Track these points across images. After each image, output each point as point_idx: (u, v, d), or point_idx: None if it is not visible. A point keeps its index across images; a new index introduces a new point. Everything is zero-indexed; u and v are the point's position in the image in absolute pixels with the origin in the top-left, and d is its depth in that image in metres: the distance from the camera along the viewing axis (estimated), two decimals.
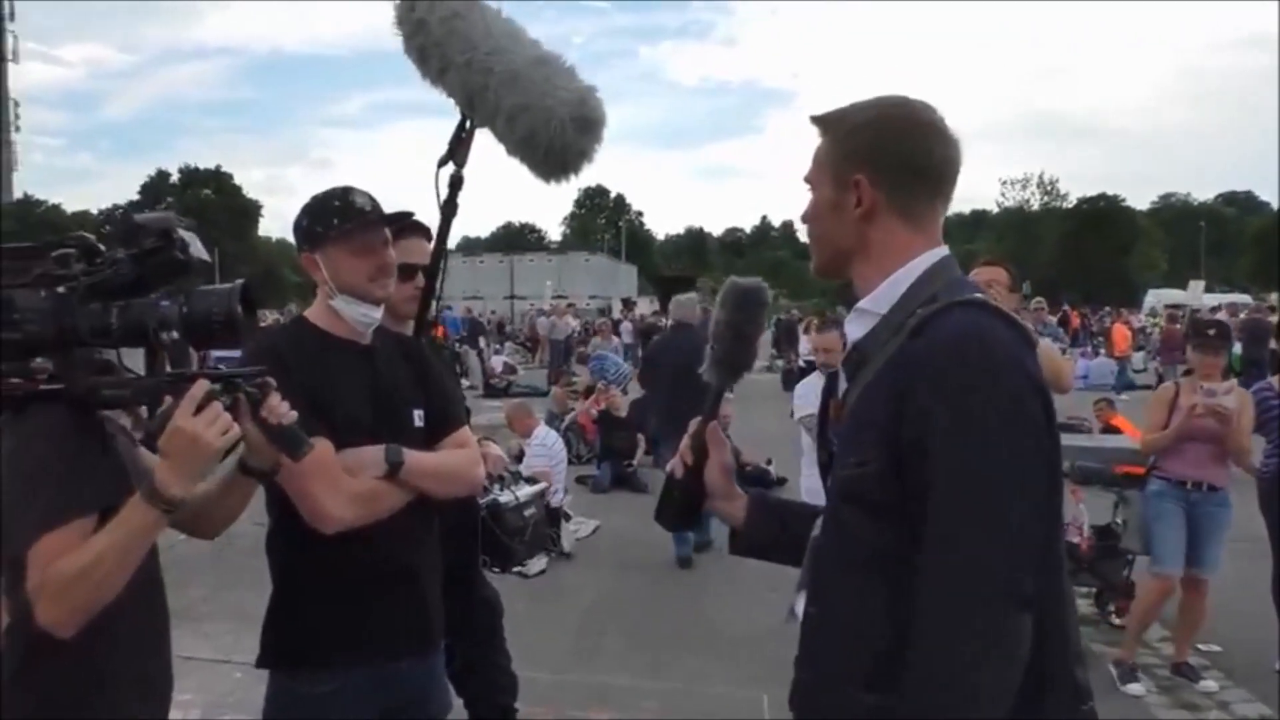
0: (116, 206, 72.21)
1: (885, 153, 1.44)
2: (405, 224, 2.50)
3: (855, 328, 1.49)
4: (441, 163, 2.53)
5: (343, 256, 2.07)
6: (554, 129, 2.32)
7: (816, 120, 1.52)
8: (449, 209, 2.51)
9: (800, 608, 1.53)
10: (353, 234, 2.06)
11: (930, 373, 1.29)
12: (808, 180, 1.53)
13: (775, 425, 11.64)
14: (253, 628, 2.13)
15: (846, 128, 1.48)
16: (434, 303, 2.60)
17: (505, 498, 6.67)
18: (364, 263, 2.07)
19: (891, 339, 1.38)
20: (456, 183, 2.53)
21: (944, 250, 1.46)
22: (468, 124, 2.52)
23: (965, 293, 1.38)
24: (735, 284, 1.67)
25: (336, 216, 2.06)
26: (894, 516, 1.33)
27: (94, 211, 69.65)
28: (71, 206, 70.53)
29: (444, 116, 2.58)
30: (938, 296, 1.37)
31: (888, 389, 1.34)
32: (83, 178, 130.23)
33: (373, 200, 2.11)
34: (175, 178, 72.10)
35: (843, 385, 1.51)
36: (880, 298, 1.44)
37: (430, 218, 2.60)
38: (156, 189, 71.10)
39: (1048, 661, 1.31)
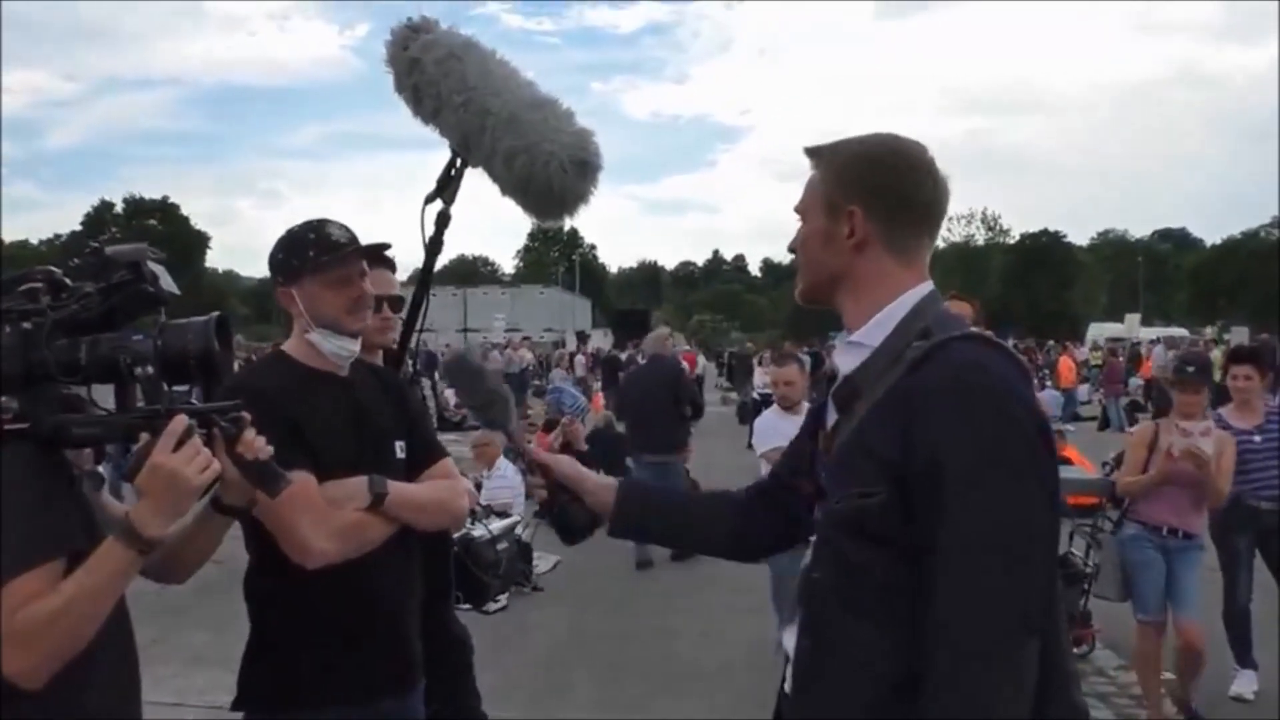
0: (57, 236, 70.82)
1: (880, 186, 1.46)
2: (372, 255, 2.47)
3: (846, 360, 1.49)
4: (429, 200, 2.51)
5: (318, 289, 2.03)
6: (553, 171, 2.30)
7: (810, 152, 1.54)
8: (434, 246, 2.49)
9: (789, 642, 1.52)
10: (328, 266, 2.03)
11: (937, 404, 1.31)
12: (799, 210, 1.55)
13: (731, 459, 11.71)
14: (204, 669, 2.07)
15: (841, 159, 1.50)
16: (416, 337, 2.57)
17: (478, 531, 6.38)
18: (340, 295, 2.04)
19: (888, 371, 1.39)
20: (444, 220, 2.52)
21: (930, 285, 1.48)
22: (458, 163, 2.50)
23: (957, 327, 1.40)
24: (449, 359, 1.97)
25: (312, 249, 2.03)
26: (898, 547, 1.33)
27: (34, 241, 68.28)
28: (10, 236, 69.18)
29: (396, 150, 2.61)
30: (930, 330, 1.39)
31: (890, 421, 1.34)
32: (22, 207, 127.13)
33: (349, 232, 2.08)
34: (120, 208, 70.82)
35: (831, 417, 1.51)
36: (871, 331, 1.45)
37: (397, 251, 2.59)
38: (100, 219, 69.73)
39: (1047, 685, 1.32)
